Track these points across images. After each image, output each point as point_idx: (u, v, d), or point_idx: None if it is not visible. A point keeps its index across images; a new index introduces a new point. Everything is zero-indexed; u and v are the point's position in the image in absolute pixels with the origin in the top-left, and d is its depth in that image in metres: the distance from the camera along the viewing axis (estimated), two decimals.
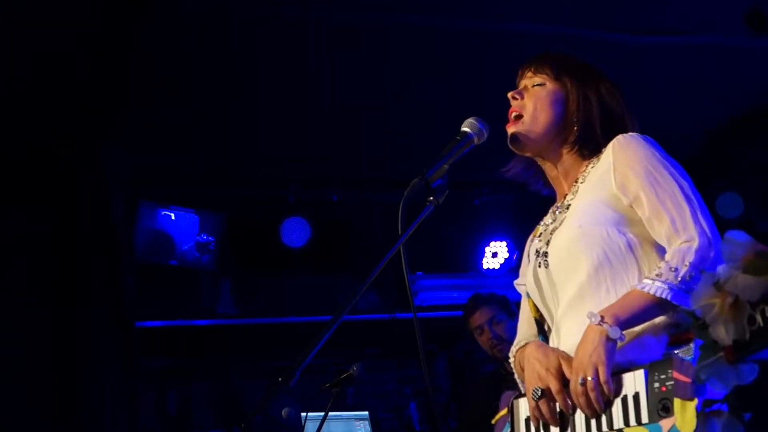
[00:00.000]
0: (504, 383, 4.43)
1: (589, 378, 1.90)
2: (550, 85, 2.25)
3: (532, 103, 2.24)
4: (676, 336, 1.98)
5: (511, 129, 2.25)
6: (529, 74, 2.29)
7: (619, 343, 1.92)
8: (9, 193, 5.14)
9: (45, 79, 4.67)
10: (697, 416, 1.66)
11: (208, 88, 5.00)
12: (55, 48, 4.39)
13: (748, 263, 1.21)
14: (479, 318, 4.48)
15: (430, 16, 4.51)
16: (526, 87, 2.28)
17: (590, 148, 2.22)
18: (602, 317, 1.93)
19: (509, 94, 2.28)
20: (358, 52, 4.78)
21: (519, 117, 2.24)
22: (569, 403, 1.99)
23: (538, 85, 2.26)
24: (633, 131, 2.18)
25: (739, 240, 1.23)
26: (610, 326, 1.91)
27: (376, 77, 5.02)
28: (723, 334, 1.24)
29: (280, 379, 1.84)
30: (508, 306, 4.53)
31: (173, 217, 5.95)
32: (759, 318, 1.19)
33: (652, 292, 1.92)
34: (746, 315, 1.21)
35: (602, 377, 1.90)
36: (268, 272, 6.49)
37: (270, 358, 6.43)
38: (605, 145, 2.18)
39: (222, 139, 5.61)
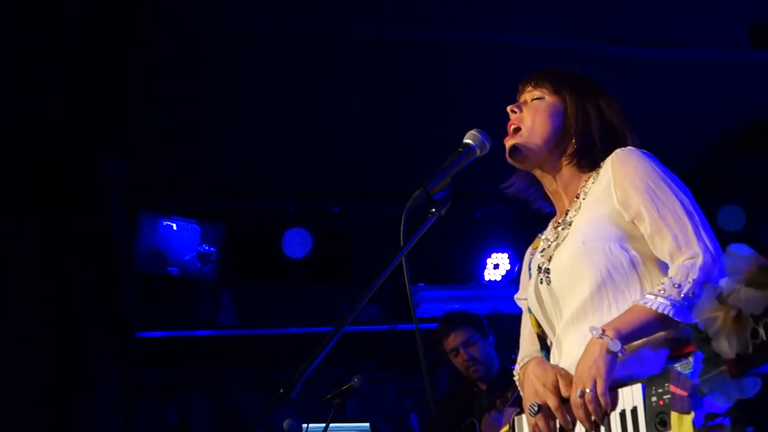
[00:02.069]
0: (477, 401, 4.44)
1: (588, 390, 1.91)
2: (549, 98, 2.26)
3: (531, 115, 2.25)
4: (676, 350, 1.98)
5: (509, 141, 2.25)
6: (530, 89, 2.30)
7: (619, 356, 1.91)
8: (8, 203, 5.14)
9: (43, 91, 4.67)
10: (699, 430, 1.65)
11: (208, 99, 5.01)
12: (53, 59, 4.39)
13: (751, 277, 1.21)
14: (453, 341, 4.50)
15: (431, 29, 4.52)
16: (525, 101, 2.29)
17: (589, 160, 2.22)
18: (603, 331, 1.93)
19: (508, 108, 2.28)
20: (360, 65, 4.78)
21: (517, 130, 2.25)
22: (569, 418, 1.99)
23: (537, 98, 2.27)
24: (633, 146, 2.18)
25: (742, 253, 1.23)
26: (611, 339, 1.91)
27: (378, 90, 5.03)
28: (726, 347, 1.23)
29: (281, 391, 1.83)
30: (482, 325, 4.55)
31: (175, 228, 5.95)
32: (762, 332, 1.18)
33: (654, 307, 1.92)
34: (749, 328, 1.20)
35: (599, 389, 1.90)
36: (269, 283, 6.48)
37: (271, 370, 6.41)
38: (604, 158, 2.18)
39: (223, 150, 5.61)
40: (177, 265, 5.97)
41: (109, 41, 4.31)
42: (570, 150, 2.23)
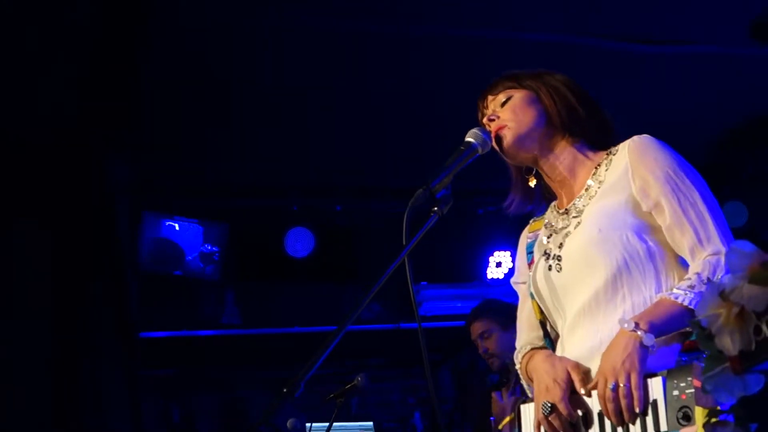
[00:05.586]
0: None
1: (622, 384, 1.87)
2: (518, 93, 2.24)
3: (510, 112, 2.22)
4: (689, 343, 1.96)
5: (500, 143, 2.21)
6: (491, 99, 2.28)
7: (650, 351, 1.89)
8: (12, 204, 5.14)
9: (47, 91, 4.68)
10: (703, 427, 1.65)
11: (210, 98, 5.01)
12: (57, 59, 4.40)
13: (754, 273, 1.21)
14: (473, 333, 4.64)
15: (434, 25, 4.51)
16: (495, 110, 2.26)
17: (578, 129, 2.20)
18: (636, 324, 1.90)
19: (484, 120, 2.25)
20: (365, 62, 4.78)
21: (500, 135, 2.21)
22: (573, 412, 1.98)
23: (506, 100, 2.24)
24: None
25: (744, 250, 1.23)
26: (645, 333, 1.88)
27: (380, 87, 5.03)
28: (729, 344, 1.23)
29: (285, 390, 1.83)
30: (504, 315, 4.49)
31: (177, 228, 5.96)
32: (765, 328, 1.18)
33: (686, 303, 1.90)
34: (752, 325, 1.20)
35: (633, 382, 1.86)
36: (272, 282, 6.48)
37: (274, 369, 6.41)
38: (598, 133, 2.19)
39: (225, 150, 5.61)
40: (181, 264, 5.97)
41: (113, 43, 4.31)
42: (560, 128, 2.21)
